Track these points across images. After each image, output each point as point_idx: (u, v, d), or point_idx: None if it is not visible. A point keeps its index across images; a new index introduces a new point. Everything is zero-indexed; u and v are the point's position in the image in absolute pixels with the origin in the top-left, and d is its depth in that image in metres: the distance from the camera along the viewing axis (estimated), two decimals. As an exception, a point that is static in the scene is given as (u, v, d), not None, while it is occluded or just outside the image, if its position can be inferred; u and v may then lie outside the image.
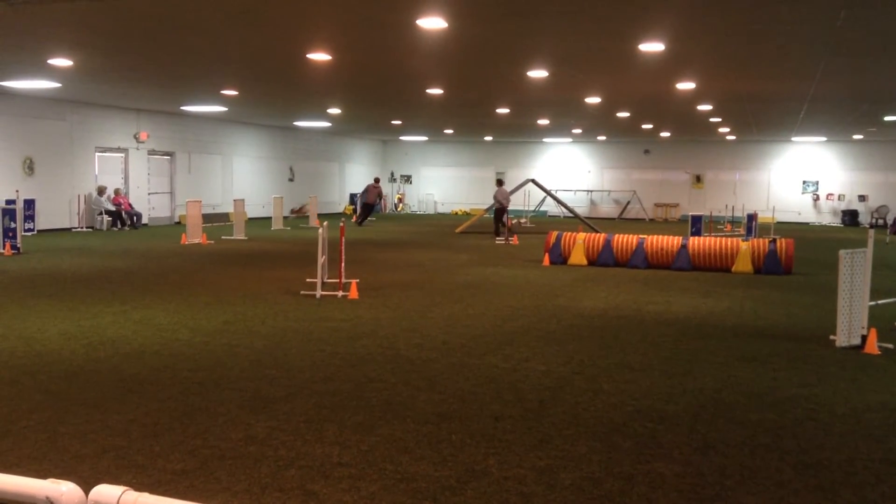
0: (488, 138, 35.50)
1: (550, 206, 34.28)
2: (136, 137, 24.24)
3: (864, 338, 7.80)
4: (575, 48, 11.84)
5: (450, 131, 31.49)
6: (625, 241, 15.46)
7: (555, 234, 16.02)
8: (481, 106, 20.96)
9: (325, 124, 28.89)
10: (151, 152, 25.17)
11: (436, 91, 17.46)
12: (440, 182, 39.25)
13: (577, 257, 15.51)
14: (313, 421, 5.21)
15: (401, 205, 39.37)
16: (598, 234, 16.07)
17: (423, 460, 4.52)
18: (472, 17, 9.61)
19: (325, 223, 11.27)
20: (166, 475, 4.25)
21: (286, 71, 14.65)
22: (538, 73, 14.33)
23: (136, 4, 9.20)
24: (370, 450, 4.68)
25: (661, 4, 8.90)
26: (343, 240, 11.34)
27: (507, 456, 4.61)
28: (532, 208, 34.29)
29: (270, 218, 25.16)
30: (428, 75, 15.20)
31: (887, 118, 22.01)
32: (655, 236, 15.48)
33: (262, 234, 22.21)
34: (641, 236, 15.57)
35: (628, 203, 36.18)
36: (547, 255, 15.72)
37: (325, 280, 11.07)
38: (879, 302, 8.91)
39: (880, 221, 31.70)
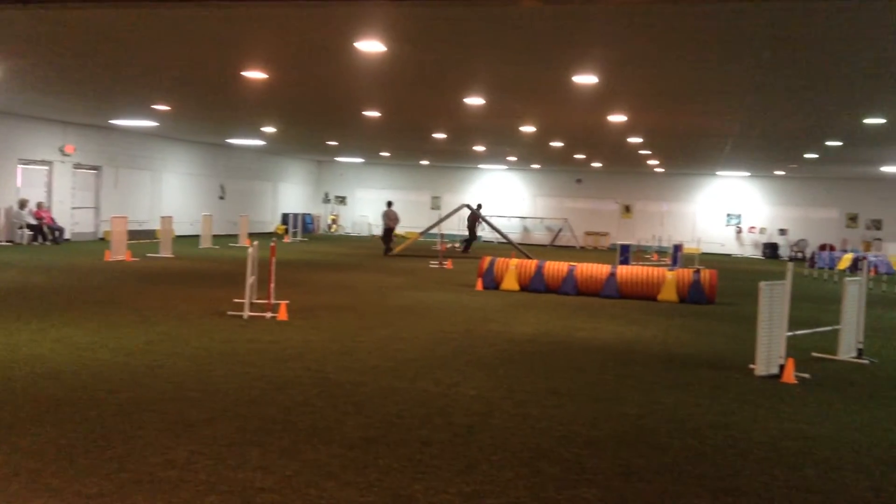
0: (425, 162, 35.67)
1: (485, 232, 34.55)
2: (61, 150, 23.51)
3: (782, 367, 8.06)
4: (511, 78, 12.03)
5: (386, 154, 31.53)
6: (556, 268, 15.68)
7: (488, 259, 16.14)
8: (418, 130, 21.06)
9: (260, 143, 28.58)
10: (77, 166, 24.44)
11: (373, 113, 17.48)
12: (375, 204, 39.16)
13: (510, 283, 15.64)
14: (236, 445, 5.09)
15: (335, 226, 39.12)
16: (531, 261, 16.25)
17: (348, 486, 4.46)
18: (410, 42, 9.68)
19: (255, 243, 11.10)
20: (81, 499, 4.09)
21: (220, 88, 14.46)
22: (474, 101, 14.50)
23: (64, 14, 8.97)
24: (294, 475, 4.60)
25: (594, 39, 9.13)
26: (273, 260, 11.19)
27: (434, 482, 4.59)
28: (466, 234, 34.47)
29: (199, 236, 24.68)
30: (365, 97, 15.22)
31: (807, 155, 22.97)
32: (585, 264, 15.74)
33: (190, 252, 21.74)
34: (572, 264, 15.81)
35: (560, 230, 36.74)
36: (480, 279, 15.81)
37: (254, 301, 10.89)
38: (797, 332, 9.22)
39: (799, 254, 32.93)
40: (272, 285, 10.98)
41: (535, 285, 15.55)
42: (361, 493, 4.35)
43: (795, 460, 5.33)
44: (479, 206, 28.57)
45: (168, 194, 28.80)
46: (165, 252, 20.15)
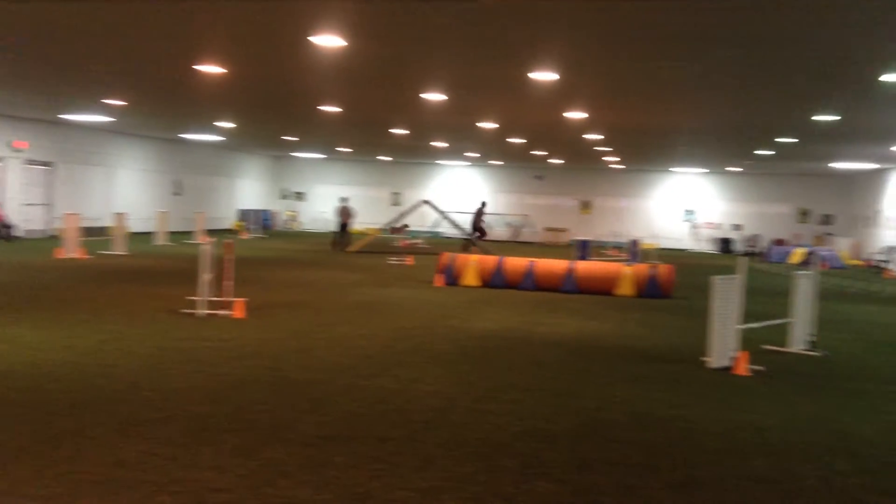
0: (385, 158, 35.56)
1: (446, 228, 34.56)
2: (8, 146, 22.93)
3: (735, 360, 8.20)
4: (470, 74, 12.03)
5: (346, 149, 31.35)
6: (516, 263, 15.75)
7: (448, 255, 16.15)
8: (378, 126, 20.98)
9: (217, 138, 28.22)
10: (29, 162, 23.87)
11: (332, 109, 17.36)
12: (335, 200, 38.93)
13: (470, 279, 15.67)
14: (190, 445, 5.02)
15: (293, 222, 38.81)
16: (491, 257, 16.30)
17: (304, 484, 4.43)
18: (368, 37, 9.63)
19: (211, 239, 10.96)
20: (30, 501, 4.00)
21: (174, 82, 14.23)
22: (434, 97, 14.48)
23: (9, 6, 8.75)
24: (249, 474, 4.55)
25: (553, 36, 9.18)
26: (229, 257, 11.06)
27: (391, 478, 4.58)
28: (428, 229, 34.49)
29: (154, 233, 24.29)
30: (324, 93, 15.11)
31: (760, 152, 23.39)
32: (545, 260, 15.84)
33: (144, 249, 21.39)
34: (532, 259, 15.90)
35: (521, 226, 36.92)
36: (440, 276, 15.82)
37: (210, 298, 10.75)
38: (750, 325, 9.38)
39: (753, 249, 33.54)
40: (228, 282, 10.85)
41: (495, 281, 15.60)
42: (317, 491, 4.33)
43: (747, 451, 5.42)
44: (484, 204, 28.45)
45: (122, 190, 28.29)
46: (119, 249, 19.78)
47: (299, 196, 39.55)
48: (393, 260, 21.31)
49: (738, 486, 4.70)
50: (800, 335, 9.52)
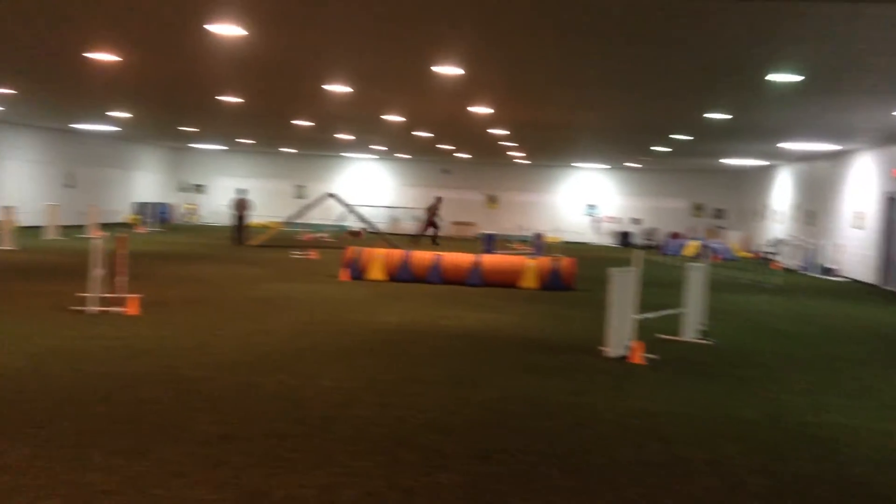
0: (288, 150, 34.98)
1: (352, 222, 34.31)
2: None
3: (631, 349, 8.46)
4: (375, 66, 11.95)
5: (247, 141, 30.67)
6: (422, 257, 15.78)
7: (353, 248, 16.03)
8: (281, 117, 20.60)
9: (111, 128, 27.11)
10: None
11: (231, 99, 16.94)
12: (235, 193, 38.06)
13: (376, 272, 15.61)
14: (78, 447, 4.81)
15: (192, 215, 37.74)
16: (397, 250, 16.28)
17: (199, 485, 4.31)
18: (268, 26, 9.42)
19: (104, 233, 10.52)
20: None
21: (63, 70, 13.58)
22: (337, 88, 14.33)
23: None
24: (140, 476, 4.39)
25: (456, 30, 9.21)
26: (123, 251, 10.65)
27: (290, 476, 4.51)
28: (333, 223, 34.16)
29: (44, 227, 23.16)
30: (224, 82, 14.71)
31: (657, 148, 24.20)
32: (451, 253, 15.94)
33: (33, 244, 20.35)
34: (438, 253, 15.96)
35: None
36: (345, 269, 15.69)
37: (102, 295, 10.33)
38: (645, 316, 9.69)
39: (651, 242, 34.70)
40: (122, 278, 10.46)
41: (401, 275, 15.59)
42: (213, 492, 4.22)
43: (640, 437, 5.61)
44: (439, 199, 29.24)
45: (10, 183, 26.82)
46: (7, 245, 18.77)
47: (199, 189, 38.46)
48: (296, 254, 21.00)
49: (630, 471, 4.85)
50: (692, 324, 9.91)
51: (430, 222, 28.07)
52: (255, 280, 14.55)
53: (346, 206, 25.75)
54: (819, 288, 18.40)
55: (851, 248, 21.12)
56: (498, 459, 4.94)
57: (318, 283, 14.52)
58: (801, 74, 10.68)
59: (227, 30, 9.46)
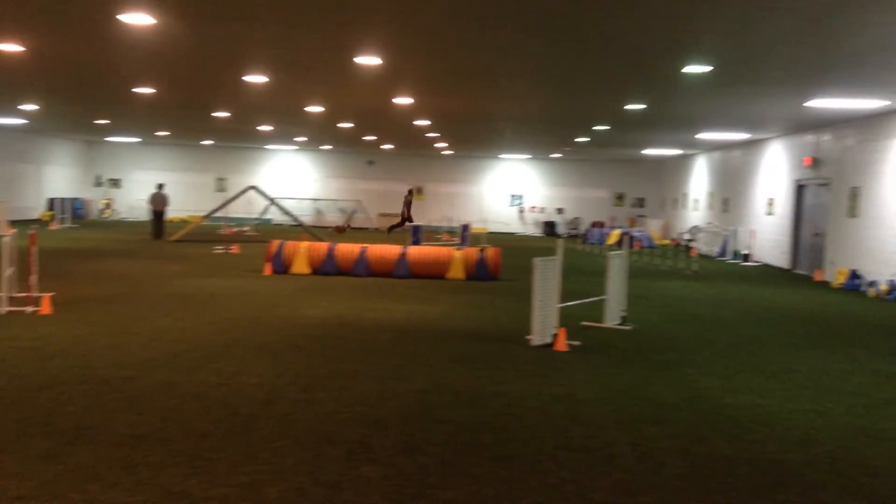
0: (208, 142, 34.17)
1: (275, 215, 33.77)
2: None
3: (555, 336, 8.58)
4: (291, 56, 11.76)
5: (165, 133, 29.83)
6: (348, 249, 15.65)
7: (277, 242, 15.78)
8: (198, 108, 20.09)
9: (20, 121, 25.96)
10: None
11: (146, 90, 16.42)
12: (153, 187, 37.02)
13: (300, 266, 15.41)
14: (-15, 454, 4.59)
15: (108, 210, 36.54)
16: (322, 243, 16.10)
17: (115, 487, 4.17)
18: (181, 16, 9.15)
19: (13, 230, 10.07)
20: None
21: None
22: (256, 79, 14.04)
23: None
24: (54, 479, 4.22)
25: (373, 20, 9.13)
26: (34, 249, 10.21)
27: (210, 475, 4.40)
28: (256, 216, 33.57)
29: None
30: (137, 73, 14.24)
31: (579, 139, 24.58)
32: (377, 245, 15.85)
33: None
34: (364, 245, 15.86)
35: (353, 212, 36.75)
36: (269, 264, 15.44)
37: (13, 295, 9.89)
38: (568, 304, 9.85)
39: (574, 232, 35.29)
40: (33, 276, 10.03)
41: (326, 268, 15.43)
42: (130, 494, 4.08)
43: (564, 422, 5.68)
44: (411, 192, 29.87)
45: None
46: None
47: (115, 183, 37.25)
48: (218, 249, 20.56)
49: (554, 457, 4.91)
50: (614, 311, 10.11)
51: (407, 216, 28.86)
52: (175, 276, 14.17)
53: (269, 199, 25.32)
54: (734, 273, 19.04)
55: (764, 234, 21.92)
56: (424, 451, 4.94)
57: (240, 279, 14.24)
58: (711, 65, 10.99)
59: (136, 18, 9.14)
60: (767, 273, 19.33)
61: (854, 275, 15.89)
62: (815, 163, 18.64)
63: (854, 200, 16.51)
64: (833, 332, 10.28)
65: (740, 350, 8.81)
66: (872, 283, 15.05)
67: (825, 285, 16.63)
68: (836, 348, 9.12)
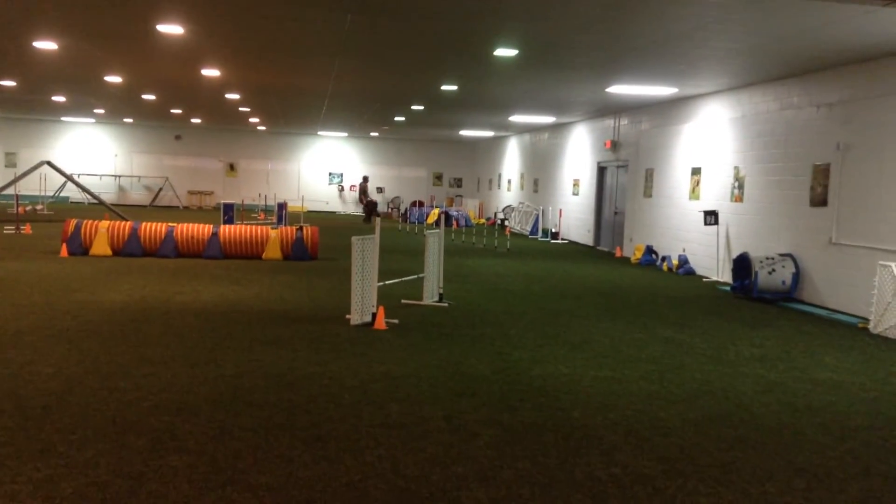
0: (-6, 114, 31.07)
1: (72, 193, 31.36)
2: None
3: (374, 315, 8.59)
4: (86, 22, 10.88)
5: (-59, 102, 26.77)
6: (153, 229, 14.82)
7: (73, 221, 14.65)
8: (-20, 75, 18.18)
9: None
10: None
11: (-84, 52, 14.62)
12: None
13: (101, 247, 14.41)
14: None
15: None
16: (124, 222, 15.13)
17: None
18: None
19: None
20: None
21: None
22: (46, 45, 12.88)
23: None
24: None
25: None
26: None
27: (0, 471, 4.02)
28: (50, 194, 31.01)
29: None
30: None
31: (397, 118, 24.71)
32: (186, 224, 15.13)
33: None
34: (171, 224, 15.08)
35: (160, 190, 34.89)
36: (65, 245, 14.31)
37: None
38: (387, 282, 9.91)
39: (395, 211, 35.56)
40: None
41: (130, 249, 14.54)
42: None
43: (382, 400, 5.71)
44: (366, 179, 31.03)
45: None
46: None
47: None
48: (9, 229, 18.80)
49: (372, 434, 4.92)
50: (431, 288, 10.28)
51: (368, 202, 28.73)
52: (-45, 259, 12.80)
53: (66, 175, 23.46)
54: (544, 250, 19.99)
55: (571, 213, 23.16)
56: (236, 436, 4.78)
57: (33, 261, 13.10)
58: (518, 49, 11.39)
59: None
60: (574, 250, 20.46)
61: (650, 250, 17.17)
62: (615, 146, 19.90)
63: (649, 181, 17.81)
64: (630, 305, 11.06)
65: (548, 323, 9.26)
66: (665, 258, 16.34)
67: (625, 261, 17.85)
68: (633, 319, 9.81)
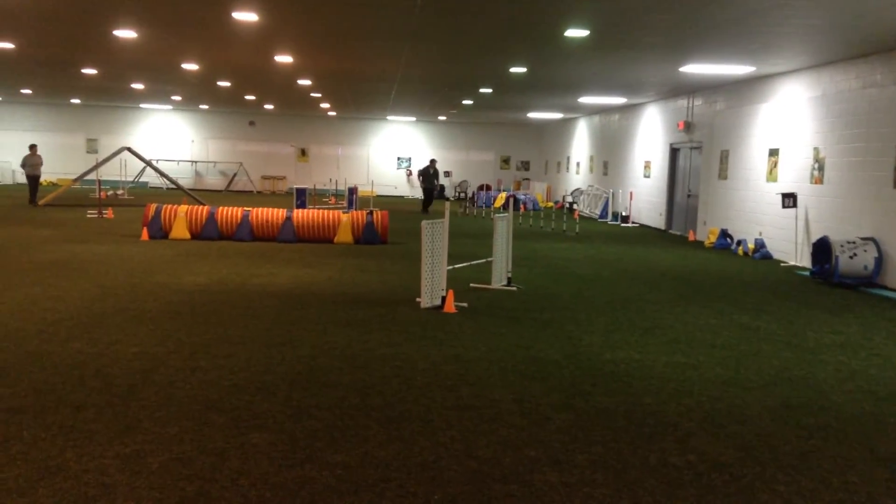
0: (76, 101, 32.25)
1: (151, 178, 32.39)
2: None
3: (443, 298, 8.66)
4: (165, 10, 11.19)
5: (28, 91, 27.94)
6: (230, 213, 15.21)
7: (154, 206, 15.15)
8: (65, 65, 18.89)
9: None
10: None
11: (5, 45, 15.28)
12: (20, 148, 34.72)
13: (180, 231, 14.87)
14: None
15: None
16: (202, 207, 15.57)
17: (-18, 466, 3.93)
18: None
19: None
20: None
21: None
22: (126, 34, 13.30)
23: None
24: (-89, 463, 3.94)
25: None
26: None
27: (88, 447, 4.22)
28: (130, 179, 32.09)
29: None
30: (-6, 25, 13.23)
31: (465, 101, 24.68)
32: (261, 209, 15.48)
33: None
34: (247, 209, 15.45)
35: (235, 175, 35.72)
36: (145, 228, 14.82)
37: None
38: (456, 266, 9.96)
39: (462, 195, 35.59)
40: None
41: (207, 233, 14.96)
42: (2, 469, 3.86)
43: (453, 382, 5.77)
44: (433, 161, 26.72)
45: None
46: None
47: (-26, 144, 34.71)
48: (92, 213, 19.56)
49: (444, 416, 4.98)
50: (500, 272, 10.29)
51: (424, 188, 26.40)
52: (46, 242, 13.40)
53: (145, 161, 24.24)
54: (614, 234, 19.74)
55: (642, 196, 22.79)
56: (313, 415, 4.90)
57: (116, 244, 13.62)
58: (589, 30, 11.23)
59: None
60: (645, 234, 20.15)
61: (724, 234, 16.79)
62: (688, 126, 19.46)
63: (724, 163, 17.38)
64: (704, 290, 10.85)
65: (619, 308, 9.17)
66: (740, 242, 15.96)
67: (698, 245, 17.51)
68: (708, 304, 9.63)
